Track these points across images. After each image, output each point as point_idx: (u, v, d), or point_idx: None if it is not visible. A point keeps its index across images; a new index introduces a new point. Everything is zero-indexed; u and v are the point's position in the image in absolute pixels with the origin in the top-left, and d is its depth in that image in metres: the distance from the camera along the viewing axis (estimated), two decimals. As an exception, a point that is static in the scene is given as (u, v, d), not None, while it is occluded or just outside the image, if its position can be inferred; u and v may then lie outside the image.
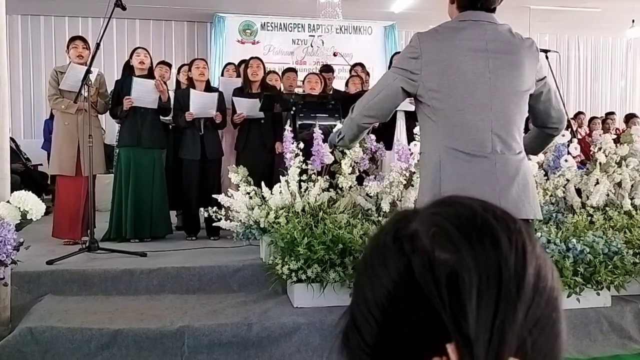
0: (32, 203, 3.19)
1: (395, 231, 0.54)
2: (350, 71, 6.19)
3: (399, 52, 5.75)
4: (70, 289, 3.60)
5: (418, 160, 3.44)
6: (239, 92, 5.11)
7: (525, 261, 0.50)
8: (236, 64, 5.93)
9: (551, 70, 4.50)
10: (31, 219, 3.22)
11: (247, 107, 4.96)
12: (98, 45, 4.17)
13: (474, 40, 1.98)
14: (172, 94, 5.10)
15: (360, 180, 3.99)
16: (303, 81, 5.43)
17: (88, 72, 4.16)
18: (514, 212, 1.63)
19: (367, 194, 3.89)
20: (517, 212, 1.85)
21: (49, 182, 7.18)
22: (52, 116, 5.82)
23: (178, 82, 5.81)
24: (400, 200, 3.84)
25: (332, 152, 3.82)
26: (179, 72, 5.92)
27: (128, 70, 4.96)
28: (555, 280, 0.52)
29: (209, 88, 5.06)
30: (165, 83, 4.96)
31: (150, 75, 4.86)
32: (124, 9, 4.14)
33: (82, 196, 4.54)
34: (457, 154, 1.96)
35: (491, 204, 0.54)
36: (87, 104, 4.31)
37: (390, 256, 0.52)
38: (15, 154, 6.82)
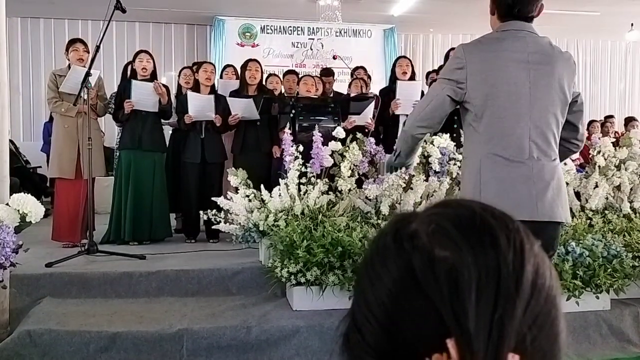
0: (31, 205, 3.19)
1: (395, 231, 0.54)
2: (352, 74, 6.20)
3: (403, 56, 5.78)
4: (69, 291, 3.60)
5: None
6: (235, 94, 5.11)
7: (523, 259, 0.51)
8: (238, 67, 5.91)
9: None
10: (30, 222, 3.22)
11: (242, 108, 4.94)
12: (98, 47, 4.18)
13: (516, 52, 2.09)
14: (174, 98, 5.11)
15: (359, 183, 3.99)
16: (298, 83, 5.41)
17: (88, 74, 4.17)
18: (549, 215, 1.79)
19: (366, 197, 3.89)
20: (552, 215, 2.08)
21: (48, 184, 7.18)
22: (51, 119, 5.81)
23: (179, 86, 5.81)
24: (400, 203, 3.84)
25: (331, 155, 3.83)
26: (179, 75, 5.91)
27: (130, 73, 4.96)
28: (553, 279, 0.53)
29: (213, 92, 5.05)
30: (166, 86, 4.96)
31: (152, 79, 4.85)
32: (123, 11, 4.15)
33: (82, 199, 4.54)
34: (496, 159, 2.08)
35: (490, 205, 0.55)
36: (87, 107, 4.31)
37: (391, 255, 0.53)
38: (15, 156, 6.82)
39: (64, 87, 4.59)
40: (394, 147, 2.44)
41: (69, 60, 4.73)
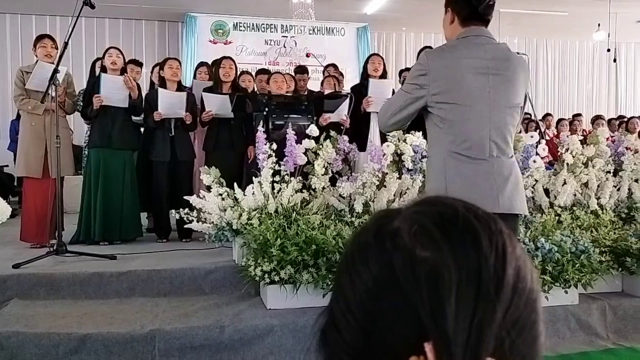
0: (-3, 205, 3.11)
1: (377, 229, 0.53)
2: (324, 72, 6.20)
3: (375, 54, 5.79)
4: (37, 293, 3.52)
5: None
6: (209, 92, 5.04)
7: (505, 262, 0.50)
8: (210, 64, 5.86)
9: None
10: (-4, 222, 3.14)
11: (217, 104, 4.88)
12: (66, 44, 4.08)
13: (476, 59, 2.26)
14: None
15: (333, 181, 4.00)
16: (268, 81, 5.35)
17: (55, 71, 4.07)
18: (508, 207, 1.99)
19: (340, 195, 3.90)
20: (511, 207, 2.26)
21: (15, 183, 7.02)
22: (18, 116, 5.68)
23: (152, 83, 5.72)
24: (373, 201, 3.86)
25: (305, 153, 3.82)
26: (152, 73, 5.82)
27: (100, 69, 4.86)
28: (534, 282, 0.52)
29: (180, 89, 4.98)
30: (137, 83, 4.88)
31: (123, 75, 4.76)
32: (92, 7, 4.06)
33: (50, 198, 4.44)
34: (460, 157, 2.25)
35: (473, 204, 0.54)
36: (55, 104, 4.21)
37: (372, 253, 0.52)
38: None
39: (29, 84, 4.48)
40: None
41: (36, 56, 4.63)
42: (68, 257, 3.98)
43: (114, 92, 4.62)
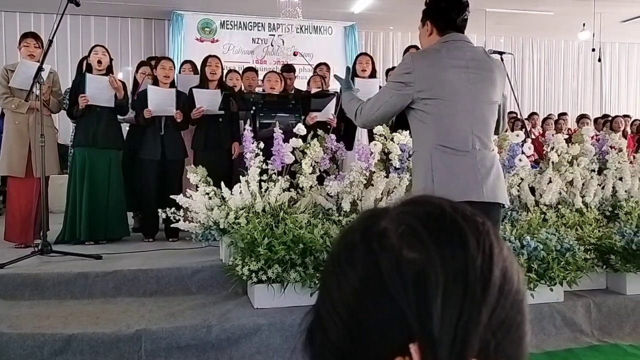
0: (-20, 205, 3.07)
1: (364, 229, 0.53)
2: (315, 69, 6.19)
3: (364, 53, 5.80)
4: (21, 293, 3.49)
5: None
6: (197, 90, 5.02)
7: (492, 263, 0.50)
8: (197, 63, 5.81)
9: (506, 72, 4.61)
10: (-21, 222, 3.10)
11: (208, 100, 4.85)
12: (50, 42, 4.04)
13: (456, 59, 2.40)
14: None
15: (320, 180, 4.00)
16: (263, 80, 5.38)
17: (40, 69, 4.03)
18: (492, 197, 2.17)
19: (327, 194, 3.90)
20: (494, 197, 2.38)
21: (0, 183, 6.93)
22: (2, 115, 5.61)
23: (135, 81, 5.67)
24: (361, 200, 3.86)
25: (292, 152, 3.81)
26: (137, 71, 5.78)
27: (85, 67, 4.81)
28: (520, 283, 0.52)
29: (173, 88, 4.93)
30: (122, 82, 4.84)
31: (108, 74, 4.70)
32: (77, 4, 4.01)
33: (34, 198, 4.40)
34: (445, 150, 2.36)
35: (461, 204, 0.54)
36: (39, 103, 4.16)
37: (358, 254, 0.51)
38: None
39: (13, 82, 4.43)
40: (348, 101, 2.64)
41: (21, 55, 4.57)
42: (53, 257, 3.94)
43: (99, 91, 4.58)
